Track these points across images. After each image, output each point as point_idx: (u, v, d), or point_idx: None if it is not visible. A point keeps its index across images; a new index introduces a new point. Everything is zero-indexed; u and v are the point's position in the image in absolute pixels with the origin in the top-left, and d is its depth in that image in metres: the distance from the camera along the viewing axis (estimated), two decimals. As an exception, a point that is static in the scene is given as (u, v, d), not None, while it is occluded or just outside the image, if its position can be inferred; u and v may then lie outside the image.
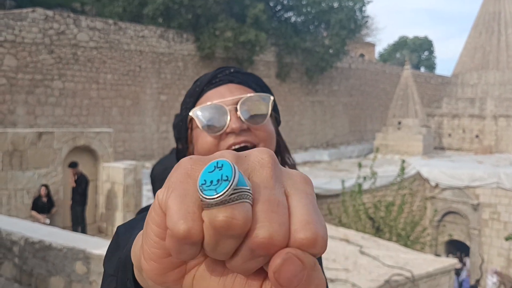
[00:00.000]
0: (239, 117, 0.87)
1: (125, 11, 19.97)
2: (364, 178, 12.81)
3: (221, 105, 0.88)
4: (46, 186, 9.31)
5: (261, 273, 0.31)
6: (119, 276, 0.52)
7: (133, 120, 17.70)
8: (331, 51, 24.67)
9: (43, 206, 9.23)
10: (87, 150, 10.37)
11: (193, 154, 0.93)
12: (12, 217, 7.49)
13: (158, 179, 3.06)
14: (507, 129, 24.12)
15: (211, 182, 0.28)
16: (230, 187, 0.28)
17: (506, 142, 24.04)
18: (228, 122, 0.86)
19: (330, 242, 6.42)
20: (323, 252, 0.30)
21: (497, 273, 14.55)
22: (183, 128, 0.97)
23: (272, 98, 0.93)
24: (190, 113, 0.91)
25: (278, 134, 0.98)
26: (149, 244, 0.32)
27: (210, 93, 0.92)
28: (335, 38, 24.32)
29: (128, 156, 16.71)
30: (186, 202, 0.29)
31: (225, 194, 0.28)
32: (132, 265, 0.43)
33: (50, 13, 15.43)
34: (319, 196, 14.86)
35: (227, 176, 0.28)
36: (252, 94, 0.90)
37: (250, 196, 0.29)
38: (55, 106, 15.41)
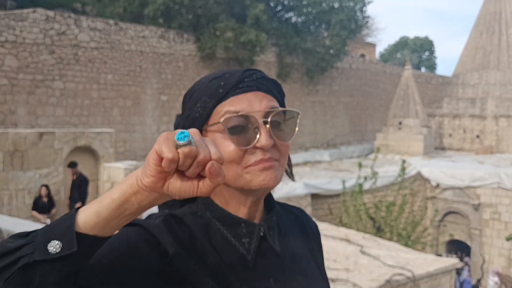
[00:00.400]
0: (269, 132, 0.85)
1: (125, 11, 19.98)
2: (365, 178, 12.82)
3: (252, 117, 0.85)
4: (46, 186, 9.31)
5: (198, 179, 0.66)
6: (41, 237, 0.65)
7: (134, 120, 17.72)
8: (331, 51, 24.67)
9: (43, 206, 9.23)
10: (88, 150, 10.39)
11: None
12: (13, 217, 7.50)
13: None
14: (508, 129, 24.11)
15: (180, 137, 0.63)
16: (189, 139, 0.64)
17: (507, 142, 24.03)
18: (258, 136, 0.84)
19: (331, 242, 6.43)
20: (223, 163, 0.66)
21: (498, 274, 14.55)
22: (197, 127, 0.91)
23: (299, 115, 0.90)
24: (221, 120, 0.86)
25: None
26: (150, 167, 0.64)
27: (237, 99, 0.88)
28: (336, 38, 24.32)
29: (129, 156, 16.73)
30: (170, 146, 0.63)
31: (187, 141, 0.63)
32: (74, 221, 0.66)
33: (51, 13, 15.45)
34: (319, 196, 14.87)
35: (187, 136, 0.64)
36: (283, 109, 0.88)
37: (195, 144, 0.64)
38: (56, 107, 15.43)
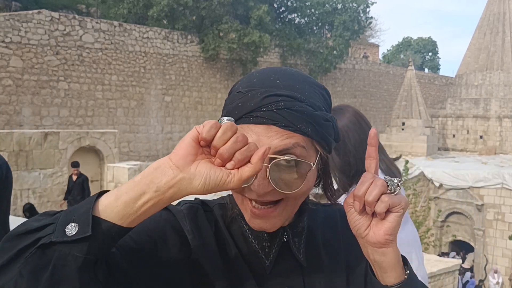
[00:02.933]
0: (268, 178, 0.74)
1: (130, 12, 20.06)
2: (368, 178, 12.81)
3: None
4: (26, 206, 9.03)
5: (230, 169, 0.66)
6: (62, 218, 0.64)
7: (138, 121, 17.78)
8: (335, 52, 24.69)
9: None
10: (92, 151, 10.45)
11: None
12: (17, 217, 7.56)
13: None
14: (512, 130, 24.07)
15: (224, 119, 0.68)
16: (233, 119, 0.69)
17: (511, 143, 23.97)
18: (253, 180, 0.73)
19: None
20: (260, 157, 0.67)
21: None
22: None
23: (313, 165, 0.77)
24: None
25: (323, 170, 0.88)
26: (185, 141, 0.65)
27: (248, 128, 0.76)
28: (339, 39, 24.34)
29: (133, 157, 16.79)
30: (212, 121, 0.65)
31: (232, 120, 0.68)
32: (92, 204, 0.65)
33: (55, 14, 15.53)
34: (322, 196, 14.84)
35: (233, 119, 0.68)
36: (289, 158, 0.74)
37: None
38: (60, 107, 15.51)
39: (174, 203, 0.75)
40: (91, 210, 0.64)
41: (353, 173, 1.91)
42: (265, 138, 0.75)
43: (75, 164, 9.41)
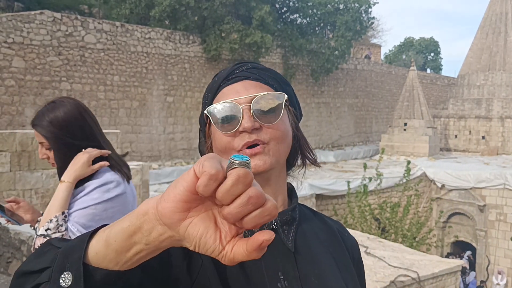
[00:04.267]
0: (252, 116, 0.86)
1: (132, 13, 20.07)
2: (370, 179, 12.82)
3: (234, 104, 0.87)
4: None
5: (228, 240, 0.53)
6: (57, 263, 0.60)
7: (140, 121, 17.79)
8: (336, 52, 24.67)
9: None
10: (95, 151, 10.46)
11: (211, 148, 0.94)
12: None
13: None
14: (514, 130, 24.02)
15: (238, 156, 0.51)
16: (249, 160, 0.51)
17: (513, 144, 23.93)
18: (241, 120, 0.86)
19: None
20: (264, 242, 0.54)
21: None
22: (202, 122, 0.97)
23: (286, 96, 0.91)
24: (205, 111, 0.91)
25: (297, 129, 0.97)
26: (176, 189, 0.51)
27: (226, 90, 0.92)
28: (341, 39, 24.32)
29: (135, 157, 16.79)
30: (216, 163, 0.51)
31: (247, 162, 0.51)
32: (83, 251, 0.59)
33: (57, 15, 15.55)
34: (324, 197, 14.88)
35: (248, 158, 0.52)
36: (266, 93, 0.89)
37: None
38: (62, 108, 15.52)
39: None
40: (83, 257, 0.58)
41: None
42: (243, 90, 0.90)
43: None
